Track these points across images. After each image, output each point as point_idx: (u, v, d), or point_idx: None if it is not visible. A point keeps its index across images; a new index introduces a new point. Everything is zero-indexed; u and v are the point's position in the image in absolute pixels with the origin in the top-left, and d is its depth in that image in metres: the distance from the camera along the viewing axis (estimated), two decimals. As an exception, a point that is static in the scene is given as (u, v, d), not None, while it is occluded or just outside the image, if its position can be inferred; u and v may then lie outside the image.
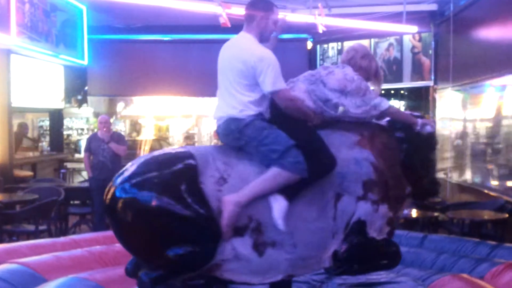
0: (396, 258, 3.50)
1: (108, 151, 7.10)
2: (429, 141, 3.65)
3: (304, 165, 3.09)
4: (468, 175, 8.45)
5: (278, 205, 3.07)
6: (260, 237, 3.07)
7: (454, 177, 9.04)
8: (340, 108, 3.32)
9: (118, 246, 4.65)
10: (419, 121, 3.53)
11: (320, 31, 8.52)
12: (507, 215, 5.95)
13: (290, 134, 3.17)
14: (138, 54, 11.60)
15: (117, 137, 7.39)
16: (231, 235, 3.00)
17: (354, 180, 3.29)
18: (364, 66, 3.54)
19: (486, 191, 7.40)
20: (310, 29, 10.11)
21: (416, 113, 3.75)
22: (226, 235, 2.98)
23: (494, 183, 7.44)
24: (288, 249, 3.14)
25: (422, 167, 3.65)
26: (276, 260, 3.13)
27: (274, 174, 3.09)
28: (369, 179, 3.32)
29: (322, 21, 8.39)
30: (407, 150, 3.57)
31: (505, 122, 7.00)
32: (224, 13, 7.47)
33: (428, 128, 3.53)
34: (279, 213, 3.05)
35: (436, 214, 6.34)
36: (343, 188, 3.27)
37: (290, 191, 3.11)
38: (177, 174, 2.95)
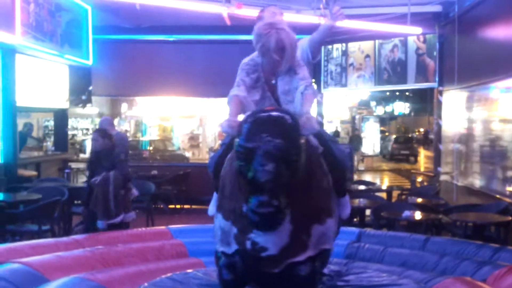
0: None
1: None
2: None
3: (209, 162, 3.28)
4: (474, 178, 8.41)
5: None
6: None
7: (460, 179, 9.00)
8: None
9: (120, 246, 4.67)
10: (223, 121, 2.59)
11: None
12: (510, 218, 5.91)
13: None
14: (143, 55, 11.59)
15: (117, 139, 7.17)
16: None
17: None
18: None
19: (493, 194, 7.36)
20: (314, 30, 10.07)
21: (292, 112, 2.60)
22: None
23: (500, 185, 7.40)
24: None
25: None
26: None
27: None
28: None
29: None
30: None
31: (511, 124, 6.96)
32: (225, 13, 7.47)
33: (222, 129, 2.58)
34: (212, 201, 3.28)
35: (439, 216, 6.32)
36: None
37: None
38: None
